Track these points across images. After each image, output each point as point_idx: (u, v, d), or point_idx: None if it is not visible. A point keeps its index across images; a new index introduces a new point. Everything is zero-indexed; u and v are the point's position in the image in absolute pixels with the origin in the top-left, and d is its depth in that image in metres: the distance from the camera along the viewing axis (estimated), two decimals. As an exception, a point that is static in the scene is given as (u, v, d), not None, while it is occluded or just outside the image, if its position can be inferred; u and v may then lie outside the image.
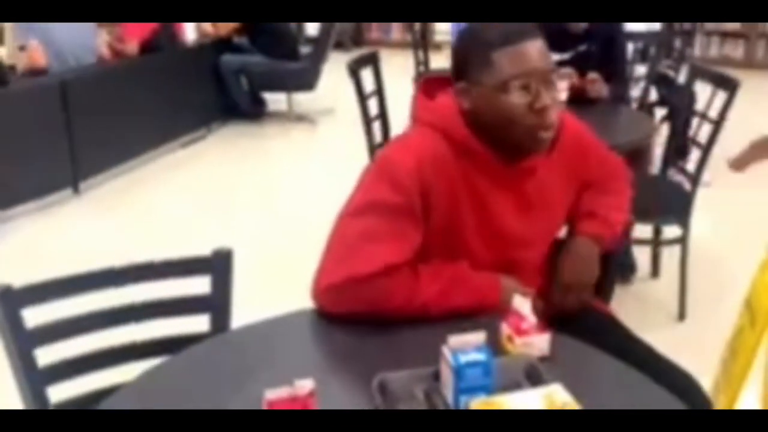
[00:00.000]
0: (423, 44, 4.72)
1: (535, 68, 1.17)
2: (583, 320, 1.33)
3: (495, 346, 1.08)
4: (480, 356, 0.99)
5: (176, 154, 4.39)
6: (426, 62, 4.74)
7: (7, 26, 3.99)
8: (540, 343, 1.12)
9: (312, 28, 7.98)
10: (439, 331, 1.03)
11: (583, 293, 1.36)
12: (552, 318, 1.21)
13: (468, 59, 1.22)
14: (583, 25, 2.81)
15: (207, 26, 4.90)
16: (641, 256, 2.83)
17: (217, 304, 1.33)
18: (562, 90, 2.80)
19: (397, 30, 8.55)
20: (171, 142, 4.42)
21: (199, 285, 1.32)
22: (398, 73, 5.21)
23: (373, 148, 2.71)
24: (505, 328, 1.14)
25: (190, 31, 4.74)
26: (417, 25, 4.63)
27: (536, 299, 1.23)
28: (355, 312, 1.17)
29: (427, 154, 1.20)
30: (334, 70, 3.34)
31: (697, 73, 2.73)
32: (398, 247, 1.17)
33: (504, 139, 1.21)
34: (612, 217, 1.40)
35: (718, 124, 2.45)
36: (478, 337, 1.01)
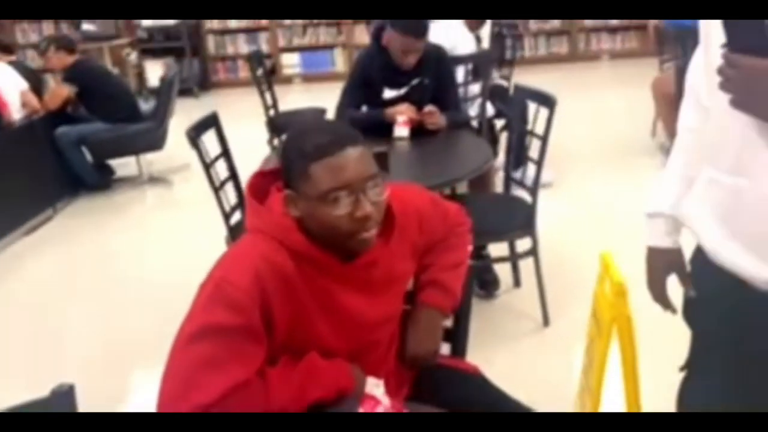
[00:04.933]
0: (268, 82, 4.67)
1: (352, 178, 1.17)
2: (450, 383, 1.38)
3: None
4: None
5: (21, 243, 4.08)
6: (275, 103, 4.69)
7: None
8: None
9: (154, 79, 7.73)
10: None
11: (427, 363, 1.41)
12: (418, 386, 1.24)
13: (290, 170, 1.22)
14: (412, 61, 2.93)
15: (34, 102, 4.60)
16: (503, 268, 2.98)
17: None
18: (403, 126, 2.92)
19: (244, 68, 8.48)
20: (13, 231, 4.09)
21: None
22: (250, 115, 5.15)
23: (227, 216, 2.66)
24: (364, 413, 1.16)
25: (15, 110, 4.43)
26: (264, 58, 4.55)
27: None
28: None
29: (263, 266, 1.18)
30: (184, 120, 3.22)
31: (520, 93, 2.94)
32: (241, 369, 1.14)
33: (334, 244, 1.23)
34: (453, 284, 1.45)
35: (544, 140, 2.64)
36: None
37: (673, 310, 1.36)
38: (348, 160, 1.17)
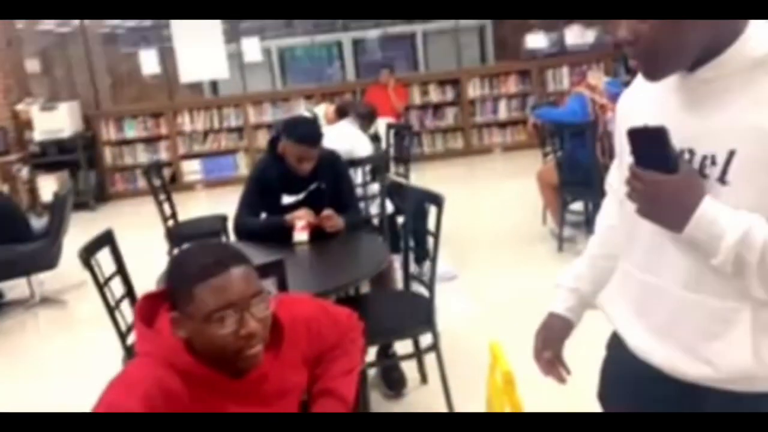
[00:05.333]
0: (167, 192, 4.63)
1: (236, 297, 1.21)
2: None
3: None
4: None
5: None
6: (174, 213, 4.65)
7: None
8: None
9: (47, 194, 7.46)
10: None
11: None
12: None
13: (174, 292, 1.24)
14: (307, 168, 3.02)
15: None
16: (410, 365, 2.99)
17: None
18: (302, 231, 2.97)
19: (143, 177, 8.37)
20: None
21: None
22: (150, 225, 5.04)
23: (123, 336, 2.57)
24: None
25: None
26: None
27: None
28: None
29: (153, 389, 1.17)
30: (79, 235, 3.11)
31: (411, 192, 3.09)
32: None
33: (222, 362, 1.24)
34: (345, 391, 1.46)
35: (436, 237, 2.75)
36: None
37: (561, 380, 1.44)
38: (232, 280, 1.21)
